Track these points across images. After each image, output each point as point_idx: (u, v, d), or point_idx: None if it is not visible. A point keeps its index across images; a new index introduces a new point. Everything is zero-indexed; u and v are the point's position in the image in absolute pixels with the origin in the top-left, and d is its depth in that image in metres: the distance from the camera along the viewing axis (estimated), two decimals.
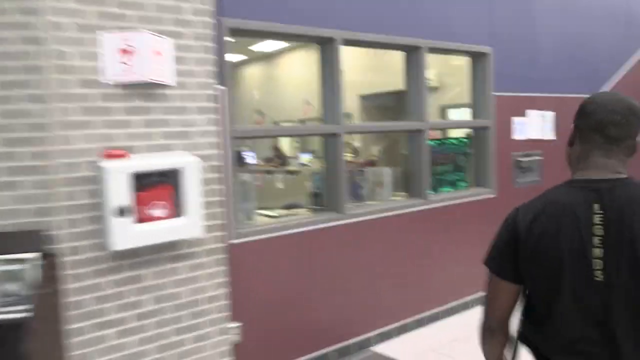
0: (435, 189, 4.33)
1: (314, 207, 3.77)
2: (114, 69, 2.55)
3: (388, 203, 3.98)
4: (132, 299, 2.65)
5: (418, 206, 4.03)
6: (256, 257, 3.19)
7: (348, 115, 11.55)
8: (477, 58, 4.51)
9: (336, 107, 3.53)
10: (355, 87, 11.55)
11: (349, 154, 12.72)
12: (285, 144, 15.70)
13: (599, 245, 1.27)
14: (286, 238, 3.31)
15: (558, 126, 5.10)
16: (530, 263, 1.36)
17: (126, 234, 2.47)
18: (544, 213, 1.36)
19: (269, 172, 12.35)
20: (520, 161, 4.77)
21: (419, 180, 4.08)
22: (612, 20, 5.74)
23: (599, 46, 5.57)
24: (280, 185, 11.66)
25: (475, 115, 4.61)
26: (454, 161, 4.51)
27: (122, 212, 2.43)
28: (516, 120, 4.76)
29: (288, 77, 15.20)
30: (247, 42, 14.37)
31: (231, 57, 3.16)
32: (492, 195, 4.57)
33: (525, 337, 1.43)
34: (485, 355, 1.47)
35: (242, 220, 3.27)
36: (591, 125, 1.39)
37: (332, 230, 3.52)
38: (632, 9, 5.97)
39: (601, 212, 1.30)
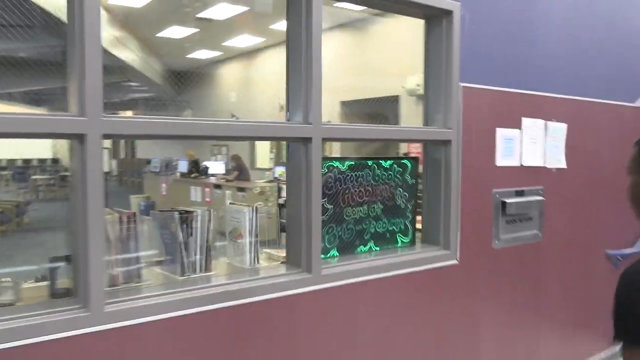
0: (349, 247, 2.40)
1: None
2: None
3: (226, 281, 2.02)
4: None
5: (297, 287, 2.08)
6: None
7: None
8: (434, 19, 2.58)
9: (84, 94, 1.60)
10: (336, 91, 9.80)
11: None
12: (264, 154, 13.82)
13: None
14: None
15: (571, 147, 3.14)
16: None
17: None
18: None
19: (217, 186, 10.48)
20: (507, 203, 2.81)
21: (303, 232, 2.13)
22: None
23: None
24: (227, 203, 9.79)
25: (428, 119, 2.67)
26: (389, 199, 2.56)
27: None
28: (502, 133, 2.81)
29: (264, 77, 13.53)
30: (220, 37, 12.73)
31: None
32: (451, 262, 2.61)
33: None
34: None
35: None
36: None
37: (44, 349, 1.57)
38: None
39: None
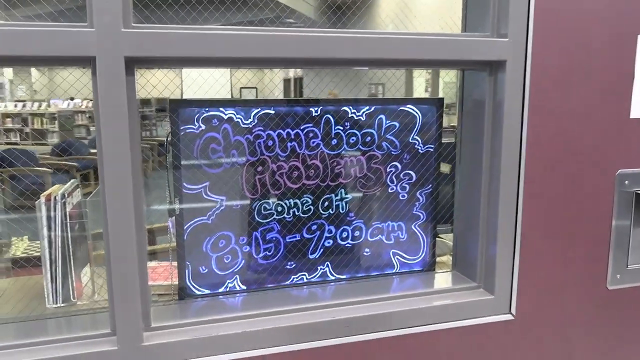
0: (272, 275, 1.25)
1: None
2: None
3: None
4: None
5: None
6: None
7: None
8: None
9: None
10: None
11: None
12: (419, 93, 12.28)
13: None
14: None
15: None
16: None
17: None
18: None
19: None
20: None
21: (109, 263, 1.04)
22: None
23: None
24: None
25: (467, 22, 1.29)
26: (369, 183, 1.31)
27: None
28: None
29: (424, 6, 11.83)
30: None
31: None
32: (499, 317, 1.27)
33: None
34: None
35: None
36: None
37: None
38: None
39: None
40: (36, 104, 13.30)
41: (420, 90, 12.06)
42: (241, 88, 13.36)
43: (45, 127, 12.52)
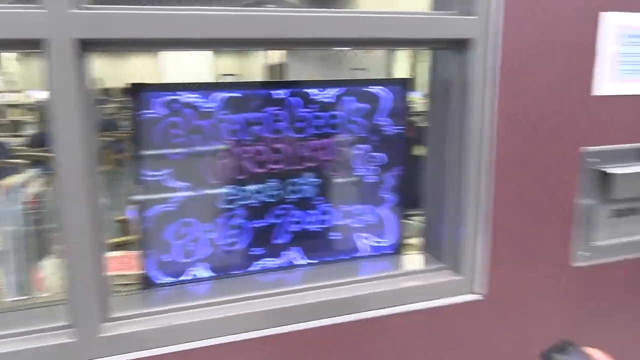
0: (237, 261, 1.23)
1: None
2: None
3: None
4: None
5: None
6: None
7: None
8: None
9: None
10: None
11: None
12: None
13: None
14: None
15: None
16: None
17: None
18: None
19: None
20: (615, 176, 1.32)
21: (70, 253, 1.01)
22: None
23: None
24: None
25: (436, 1, 1.27)
26: (337, 166, 1.29)
27: None
28: (619, 22, 1.28)
29: None
30: None
31: None
32: (467, 297, 1.27)
33: None
34: None
35: None
36: None
37: None
38: None
39: None
40: (13, 95, 13.02)
41: (401, 74, 12.01)
42: (222, 75, 13.18)
43: (21, 119, 12.28)
